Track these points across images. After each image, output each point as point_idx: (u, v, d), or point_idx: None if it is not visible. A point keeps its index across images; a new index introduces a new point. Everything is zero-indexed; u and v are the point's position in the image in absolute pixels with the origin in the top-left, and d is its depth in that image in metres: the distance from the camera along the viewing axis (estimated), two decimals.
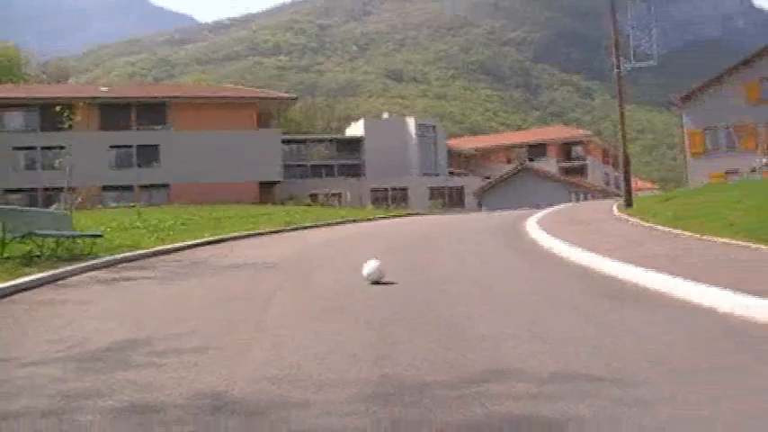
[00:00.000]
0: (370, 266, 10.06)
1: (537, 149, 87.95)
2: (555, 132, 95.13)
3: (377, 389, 4.83)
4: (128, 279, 11.96)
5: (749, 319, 6.65)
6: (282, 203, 49.64)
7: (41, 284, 11.15)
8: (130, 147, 56.10)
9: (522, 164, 67.83)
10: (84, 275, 12.44)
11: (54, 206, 37.91)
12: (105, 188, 52.88)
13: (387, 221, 31.36)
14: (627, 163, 23.42)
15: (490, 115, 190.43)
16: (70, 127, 28.98)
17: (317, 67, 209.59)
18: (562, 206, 31.82)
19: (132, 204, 39.63)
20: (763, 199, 15.96)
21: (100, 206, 43.51)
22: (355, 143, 78.37)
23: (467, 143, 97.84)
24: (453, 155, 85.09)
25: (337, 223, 29.15)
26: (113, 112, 56.08)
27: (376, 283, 9.84)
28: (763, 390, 4.60)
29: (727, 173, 50.06)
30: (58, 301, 9.72)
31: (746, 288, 7.27)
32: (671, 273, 8.66)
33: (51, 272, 11.96)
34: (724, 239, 11.79)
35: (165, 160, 55.34)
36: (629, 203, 22.18)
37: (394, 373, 5.25)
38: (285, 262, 13.92)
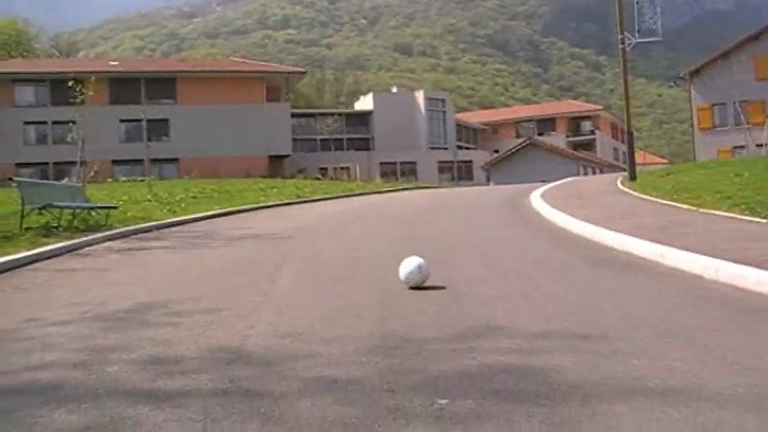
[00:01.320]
0: (410, 266, 7.37)
1: (546, 124, 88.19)
2: (564, 107, 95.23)
3: (379, 343, 5.28)
4: (142, 249, 12.45)
5: (730, 285, 7.07)
6: (292, 177, 50.11)
7: (60, 254, 11.65)
8: (140, 121, 56.56)
9: (529, 138, 68.03)
10: (101, 245, 12.95)
11: (65, 179, 38.45)
12: (115, 162, 53.29)
13: (394, 194, 31.78)
14: (631, 138, 23.81)
15: (500, 89, 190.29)
16: (82, 102, 29.40)
17: (326, 41, 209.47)
18: (568, 180, 32.18)
19: (142, 178, 40.09)
20: (760, 173, 16.34)
21: (110, 180, 43.93)
22: (364, 117, 78.66)
23: (476, 117, 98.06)
24: (462, 129, 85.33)
25: (346, 196, 29.60)
26: (123, 87, 56.49)
27: (416, 288, 7.28)
28: (727, 345, 5.04)
29: (734, 148, 50.34)
30: (78, 269, 10.21)
31: (729, 256, 7.69)
32: (660, 242, 9.09)
33: (69, 242, 12.47)
34: (717, 212, 12.21)
35: (174, 134, 55.87)
36: (632, 177, 22.58)
37: (395, 329, 5.70)
38: (294, 232, 14.39)
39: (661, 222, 11.57)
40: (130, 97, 56.39)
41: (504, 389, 4.15)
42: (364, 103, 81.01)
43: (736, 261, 7.40)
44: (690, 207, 13.53)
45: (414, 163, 71.27)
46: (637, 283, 7.61)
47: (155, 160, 54.52)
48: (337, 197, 28.71)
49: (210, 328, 6.06)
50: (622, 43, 23.09)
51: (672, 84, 75.65)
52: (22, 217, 13.42)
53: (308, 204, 25.29)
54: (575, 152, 70.00)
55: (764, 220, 10.68)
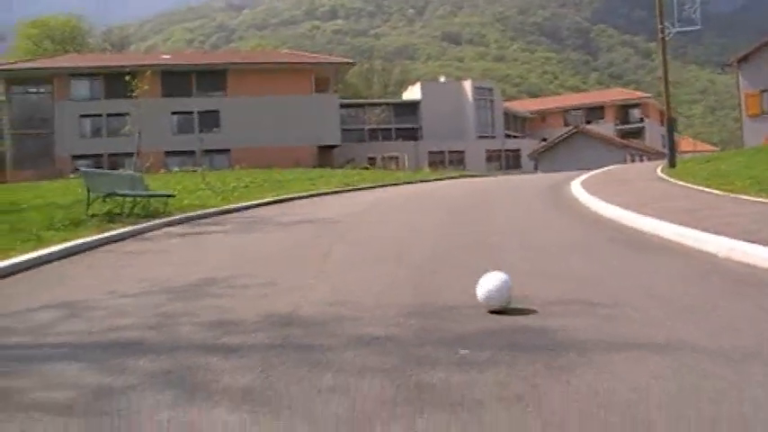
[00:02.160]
0: (489, 284, 5.84)
1: (594, 112, 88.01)
2: (612, 95, 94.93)
3: (414, 310, 6.04)
4: (200, 233, 13.36)
5: (742, 262, 7.69)
6: (341, 167, 50.92)
7: (125, 238, 12.60)
8: (191, 113, 57.79)
9: (576, 126, 68.15)
10: (161, 230, 13.89)
11: (120, 170, 39.62)
12: (167, 153, 54.46)
13: (440, 183, 32.43)
14: (671, 126, 24.30)
15: (549, 77, 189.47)
16: (135, 96, 30.54)
17: (373, 31, 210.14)
18: (611, 168, 32.54)
19: (194, 169, 41.14)
20: None
21: (163, 170, 45.07)
22: (412, 107, 79.21)
23: (524, 105, 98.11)
24: (510, 117, 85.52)
25: (392, 185, 30.34)
26: (174, 80, 57.73)
27: (498, 312, 5.74)
28: (726, 313, 5.71)
29: None
30: (142, 251, 11.13)
31: (746, 237, 8.30)
32: (684, 224, 9.70)
33: (132, 227, 13.42)
34: (746, 196, 12.73)
35: (225, 125, 56.99)
36: (672, 164, 23.02)
37: (430, 300, 6.45)
38: (343, 218, 15.20)
39: (690, 206, 12.14)
40: (182, 90, 57.70)
41: (516, 343, 4.88)
42: (412, 93, 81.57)
43: (749, 240, 8.01)
44: (721, 192, 14.05)
45: (462, 152, 71.81)
46: (656, 261, 8.26)
47: (206, 151, 55.75)
48: (384, 186, 29.48)
49: (267, 298, 6.87)
50: (662, 32, 23.52)
51: (720, 70, 74.96)
52: (88, 204, 14.41)
53: (356, 193, 26.07)
54: (622, 140, 69.96)
55: None
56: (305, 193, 24.09)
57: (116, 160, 52.40)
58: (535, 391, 3.89)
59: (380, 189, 27.67)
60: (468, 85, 79.44)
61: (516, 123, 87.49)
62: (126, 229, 13.02)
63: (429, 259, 8.93)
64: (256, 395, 4.03)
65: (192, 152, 55.05)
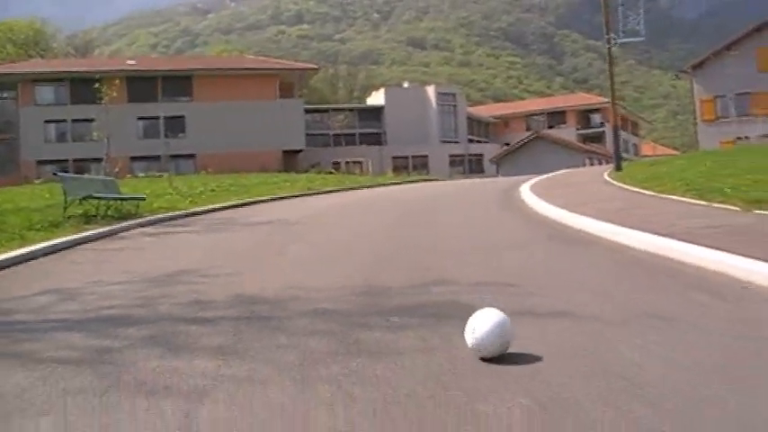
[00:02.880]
0: (484, 327, 4.64)
1: (556, 117, 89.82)
2: (574, 100, 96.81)
3: (360, 291, 7.20)
4: (171, 233, 14.44)
5: (648, 252, 8.93)
6: (306, 171, 51.91)
7: (102, 237, 13.65)
8: (157, 118, 58.57)
9: (536, 131, 69.78)
10: (135, 231, 14.95)
11: (87, 175, 40.20)
12: (133, 158, 55.16)
13: (400, 187, 33.65)
14: (617, 132, 25.72)
15: (514, 82, 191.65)
16: (104, 102, 31.40)
17: (339, 36, 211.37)
18: (563, 171, 33.91)
19: (159, 174, 41.95)
20: (723, 162, 18.17)
21: (129, 175, 45.80)
22: (376, 112, 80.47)
23: (488, 111, 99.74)
24: (474, 122, 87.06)
25: (354, 189, 31.50)
26: (140, 85, 58.50)
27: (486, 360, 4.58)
28: (621, 290, 6.93)
29: (737, 139, 51.97)
30: (120, 248, 12.21)
31: (656, 230, 9.55)
32: (612, 222, 10.94)
33: (108, 228, 14.48)
34: (674, 196, 14.03)
35: (190, 131, 57.88)
36: (618, 168, 24.40)
37: (375, 284, 7.61)
38: (304, 220, 16.34)
39: (622, 206, 13.41)
40: (147, 95, 58.50)
41: (439, 312, 6.06)
42: (376, 98, 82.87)
43: (658, 234, 9.25)
44: (653, 193, 15.36)
45: (425, 156, 73.17)
46: (578, 253, 9.50)
47: (172, 156, 56.50)
48: (346, 189, 30.66)
49: (234, 284, 8.00)
50: (608, 42, 24.94)
51: (675, 76, 77.02)
52: (65, 207, 15.42)
53: (318, 196, 27.19)
54: (581, 144, 71.64)
55: (705, 203, 12.50)
56: (269, 197, 25.16)
57: (82, 165, 52.92)
58: (447, 344, 5.05)
59: (342, 193, 28.83)
60: (431, 90, 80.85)
61: (480, 128, 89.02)
62: (102, 230, 14.07)
63: (378, 254, 10.10)
64: (228, 350, 5.17)
65: (158, 157, 55.79)
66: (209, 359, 4.94)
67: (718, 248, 7.71)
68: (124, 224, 15.26)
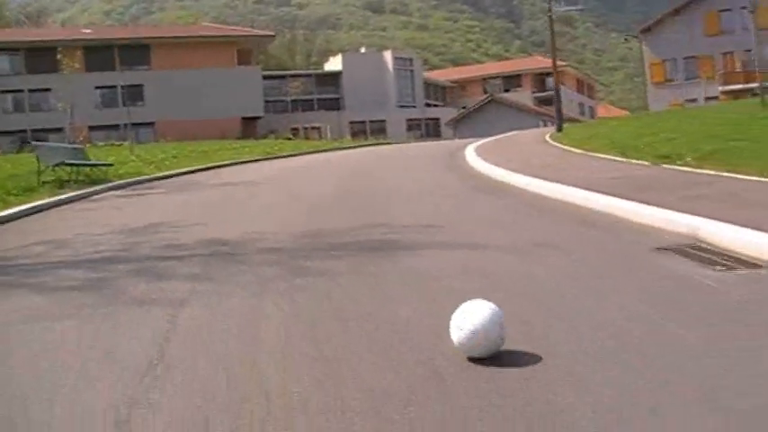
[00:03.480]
0: (471, 322, 3.87)
1: (512, 80, 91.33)
2: (529, 63, 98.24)
3: (307, 233, 8.71)
4: (141, 194, 15.84)
5: (554, 198, 10.52)
6: (264, 138, 53.00)
7: (78, 199, 15.01)
8: (115, 87, 59.14)
9: (491, 95, 71.40)
10: (107, 193, 16.31)
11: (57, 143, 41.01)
12: (92, 128, 55.76)
13: (355, 150, 35.08)
14: (558, 95, 27.34)
15: (472, 46, 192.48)
16: (64, 72, 32.36)
17: (296, 1, 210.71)
18: (513, 133, 35.47)
19: (119, 143, 42.83)
20: (651, 123, 19.84)
21: (88, 144, 46.60)
22: (334, 77, 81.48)
23: (444, 75, 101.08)
24: (431, 87, 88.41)
25: (312, 153, 32.90)
26: (97, 54, 58.89)
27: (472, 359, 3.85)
28: (524, 228, 8.51)
29: (686, 101, 53.88)
30: (96, 208, 13.62)
31: (564, 181, 11.14)
32: (532, 175, 12.52)
33: (81, 191, 15.84)
34: (598, 154, 15.65)
35: (149, 99, 58.47)
36: (559, 129, 26.06)
37: (321, 227, 9.12)
38: (261, 180, 17.80)
39: (548, 162, 15.02)
40: (105, 64, 58.90)
41: (370, 248, 7.60)
42: (334, 64, 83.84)
43: (567, 184, 10.83)
44: (581, 151, 16.99)
45: (383, 121, 74.50)
46: (498, 200, 11.10)
47: (131, 125, 57.41)
48: (303, 153, 32.05)
49: (202, 232, 9.47)
50: (550, 11, 26.48)
51: (624, 40, 78.84)
52: (39, 173, 16.71)
53: (276, 160, 28.54)
54: (534, 107, 73.39)
55: (622, 159, 14.13)
56: (230, 162, 26.50)
57: (40, 135, 53.32)
58: (377, 268, 6.57)
59: (300, 157, 30.20)
60: (388, 55, 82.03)
61: (437, 92, 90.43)
62: (76, 193, 15.40)
63: (324, 204, 11.60)
64: (200, 276, 6.66)
65: (117, 126, 56.50)
66: (186, 282, 6.43)
67: (610, 194, 9.32)
68: (96, 188, 16.59)
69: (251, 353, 4.25)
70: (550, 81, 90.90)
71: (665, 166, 12.30)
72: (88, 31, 65.96)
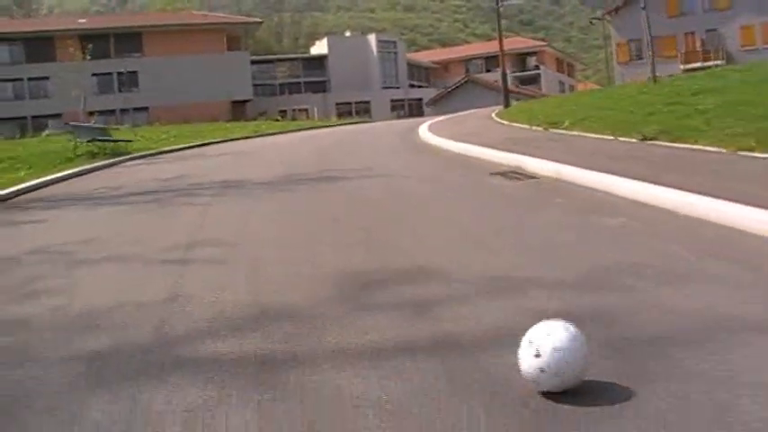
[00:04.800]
0: (551, 346, 3.27)
1: (493, 61, 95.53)
2: (510, 44, 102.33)
3: (284, 175, 13.43)
4: (157, 162, 20.57)
5: (472, 156, 15.21)
6: (254, 120, 57.17)
7: (109, 166, 19.74)
8: (110, 74, 63.34)
9: (467, 76, 75.99)
10: (130, 162, 21.02)
11: (47, 130, 45.48)
12: (90, 114, 60.02)
13: (334, 128, 39.62)
14: (504, 74, 31.81)
15: (459, 26, 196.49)
16: (75, 60, 36.81)
17: None
18: (472, 111, 40.01)
19: (116, 126, 47.10)
20: (577, 100, 24.54)
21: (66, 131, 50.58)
22: (320, 61, 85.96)
23: (429, 56, 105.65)
24: (414, 68, 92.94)
25: (297, 131, 37.51)
26: (93, 43, 63.16)
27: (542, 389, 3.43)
28: (444, 176, 13.25)
29: (648, 79, 58.41)
30: (126, 169, 18.35)
31: (484, 144, 15.84)
32: (458, 140, 17.17)
33: (110, 160, 20.54)
34: (521, 125, 20.19)
35: (143, 85, 62.78)
36: (506, 106, 30.65)
37: (293, 172, 13.82)
38: (251, 150, 22.50)
39: (473, 131, 19.65)
40: (100, 52, 62.96)
41: (322, 179, 12.37)
42: (320, 48, 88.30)
43: (469, 143, 15.52)
44: (507, 122, 21.65)
45: (368, 102, 79.04)
46: (418, 154, 15.87)
47: (126, 110, 61.58)
48: (290, 131, 36.63)
49: (212, 177, 14.21)
50: (497, 4, 31.06)
51: (590, 22, 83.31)
52: (75, 148, 21.39)
53: (265, 137, 33.06)
54: (510, 87, 77.85)
55: (527, 126, 18.82)
56: (223, 139, 31.08)
57: (40, 122, 57.41)
58: (323, 186, 11.29)
59: (286, 134, 34.79)
60: (372, 38, 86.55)
61: (420, 73, 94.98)
62: (106, 162, 20.13)
63: (298, 162, 16.32)
64: (216, 195, 11.42)
65: (113, 111, 60.76)
66: (208, 197, 11.18)
67: (489, 147, 14.04)
68: (120, 159, 21.28)
69: (246, 220, 9.02)
70: (531, 60, 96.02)
71: (550, 130, 16.99)
72: (83, 20, 70.21)
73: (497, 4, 31.16)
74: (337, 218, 8.48)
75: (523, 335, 3.36)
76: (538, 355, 3.21)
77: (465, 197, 9.67)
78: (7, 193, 13.47)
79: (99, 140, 22.19)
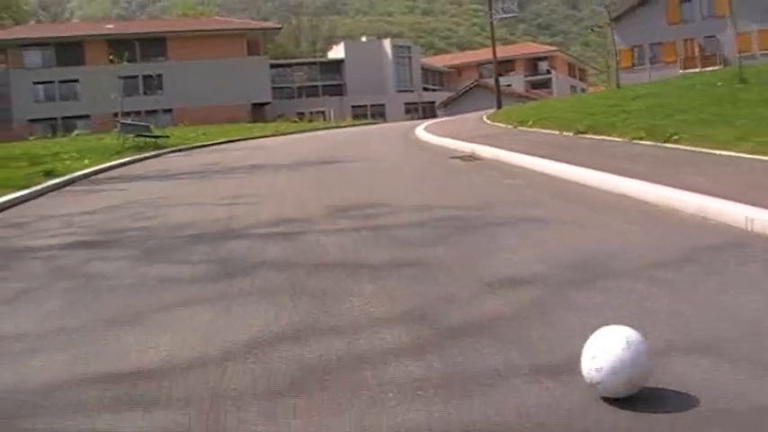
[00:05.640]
0: (616, 353, 3.36)
1: (505, 65, 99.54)
2: (522, 49, 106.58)
3: (297, 161, 17.53)
4: (193, 154, 24.75)
5: (449, 148, 19.25)
6: (273, 121, 61.05)
7: (153, 157, 23.85)
8: (136, 77, 67.30)
9: (476, 80, 79.97)
10: (170, 154, 25.17)
11: (76, 131, 49.45)
12: (116, 115, 64.11)
13: (347, 129, 43.67)
14: (497, 81, 35.86)
15: (477, 30, 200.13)
16: (114, 62, 40.93)
17: None
18: (474, 113, 44.00)
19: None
20: (555, 104, 28.55)
21: (115, 128, 54.88)
22: (337, 65, 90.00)
23: (442, 60, 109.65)
24: (428, 72, 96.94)
25: (312, 131, 41.68)
26: (120, 47, 67.28)
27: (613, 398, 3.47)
28: (418, 159, 17.34)
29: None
30: (169, 158, 22.53)
31: (465, 139, 19.88)
32: (442, 136, 21.16)
33: (153, 152, 24.67)
34: (503, 125, 24.10)
35: (167, 88, 66.75)
36: (499, 107, 34.61)
37: (304, 159, 17.91)
38: (273, 145, 26.62)
39: (460, 129, 23.64)
40: (127, 56, 67.38)
41: (325, 163, 16.45)
42: (337, 52, 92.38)
43: (448, 138, 19.54)
44: (491, 123, 25.64)
45: (382, 105, 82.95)
46: (407, 146, 19.88)
47: (150, 111, 65.28)
48: (304, 132, 40.79)
49: (242, 163, 18.32)
50: (491, 17, 35.04)
51: (591, 30, 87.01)
52: (123, 142, 25.57)
53: (282, 136, 37.20)
54: (514, 90, 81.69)
55: (503, 125, 22.79)
56: (247, 137, 35.23)
57: (69, 123, 61.07)
58: (326, 167, 15.38)
59: (302, 133, 38.93)
60: (387, 43, 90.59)
61: (434, 77, 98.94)
62: (150, 153, 24.27)
63: (308, 154, 20.40)
64: (247, 172, 15.63)
65: (139, 112, 64.57)
66: (240, 174, 15.33)
67: (460, 140, 18.08)
68: (161, 151, 25.40)
69: (270, 185, 13.16)
70: (542, 65, 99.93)
71: (518, 128, 21.01)
72: (111, 26, 74.67)
73: (491, 18, 35.03)
74: (330, 182, 12.56)
75: (425, 227, 7.50)
76: (597, 366, 3.29)
77: (425, 170, 13.79)
78: (89, 172, 17.68)
79: (143, 136, 26.40)
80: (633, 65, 65.14)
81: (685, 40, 63.48)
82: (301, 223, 8.60)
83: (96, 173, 18.27)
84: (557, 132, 17.80)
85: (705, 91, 19.98)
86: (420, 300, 5.11)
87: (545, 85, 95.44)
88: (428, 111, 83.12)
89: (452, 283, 5.47)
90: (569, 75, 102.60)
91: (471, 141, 17.55)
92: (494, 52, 36.62)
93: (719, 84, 20.57)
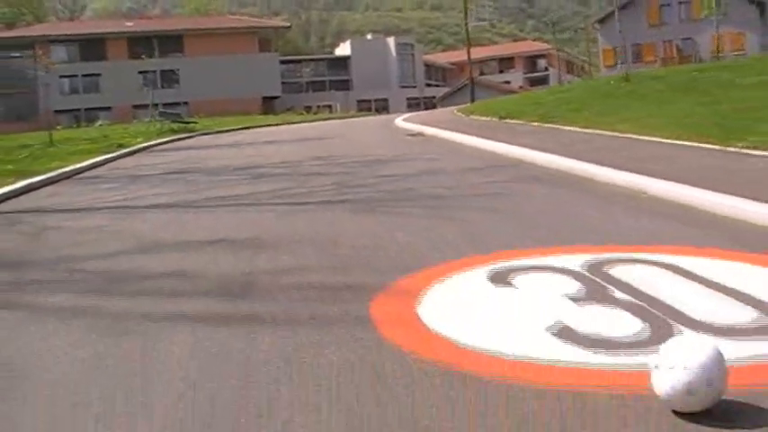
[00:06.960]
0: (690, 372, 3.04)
1: (505, 62, 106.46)
2: (521, 47, 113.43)
3: (299, 138, 24.57)
4: (220, 137, 31.74)
5: (412, 130, 26.23)
6: (282, 113, 67.09)
7: (187, 138, 30.81)
8: (154, 72, 73.48)
9: (471, 77, 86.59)
10: (201, 136, 32.14)
11: (99, 121, 55.79)
12: (135, 107, 69.43)
13: (350, 119, 50.54)
14: (471, 80, 42.59)
15: (486, 25, 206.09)
16: (142, 58, 47.58)
17: None
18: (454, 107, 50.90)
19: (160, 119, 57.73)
20: (534, 96, 35.47)
21: (135, 120, 60.68)
22: (343, 61, 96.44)
23: (446, 57, 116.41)
24: (431, 69, 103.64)
25: (317, 121, 48.73)
26: (139, 44, 73.52)
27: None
28: (409, 146, 24.42)
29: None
30: (200, 139, 29.59)
31: (442, 128, 26.86)
32: (414, 122, 28.04)
33: (185, 135, 31.65)
34: (476, 117, 30.88)
35: (183, 82, 72.85)
36: (472, 101, 41.30)
37: (305, 137, 24.92)
38: (282, 131, 33.55)
39: (429, 118, 30.45)
40: (146, 52, 73.58)
41: (316, 138, 23.55)
42: (343, 49, 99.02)
43: (418, 124, 26.48)
44: (461, 114, 32.40)
45: (386, 100, 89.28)
46: (383, 130, 26.87)
47: (168, 104, 70.09)
48: (310, 121, 47.88)
49: (257, 139, 25.34)
50: (466, 25, 41.84)
51: (574, 32, 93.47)
52: (161, 126, 32.57)
53: (290, 125, 44.15)
54: (505, 86, 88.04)
55: (477, 117, 29.62)
56: (259, 125, 42.24)
57: (92, 114, 66.39)
58: (314, 144, 22.40)
59: (307, 123, 45.97)
60: (391, 41, 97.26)
61: (437, 74, 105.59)
62: (183, 135, 31.26)
63: (310, 136, 27.38)
64: (262, 146, 22.67)
65: (157, 105, 70.60)
66: (260, 145, 22.41)
67: (424, 125, 25.03)
68: (192, 134, 32.37)
69: (278, 150, 20.37)
70: (541, 63, 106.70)
71: (471, 116, 27.88)
72: (131, 23, 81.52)
73: (466, 25, 41.85)
74: (316, 147, 19.58)
75: (364, 166, 14.71)
76: (675, 374, 3.06)
77: (380, 141, 20.99)
78: (147, 146, 24.84)
79: (177, 122, 33.48)
80: (615, 63, 71.68)
81: (664, 42, 70.08)
82: (295, 162, 15.68)
83: (152, 147, 25.25)
84: (489, 118, 24.69)
85: (600, 88, 26.80)
86: (346, 177, 12.27)
87: (543, 81, 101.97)
88: (429, 106, 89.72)
89: (362, 176, 12.58)
90: (568, 71, 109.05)
91: (430, 126, 24.36)
92: (468, 55, 44.36)
93: (612, 82, 27.43)
